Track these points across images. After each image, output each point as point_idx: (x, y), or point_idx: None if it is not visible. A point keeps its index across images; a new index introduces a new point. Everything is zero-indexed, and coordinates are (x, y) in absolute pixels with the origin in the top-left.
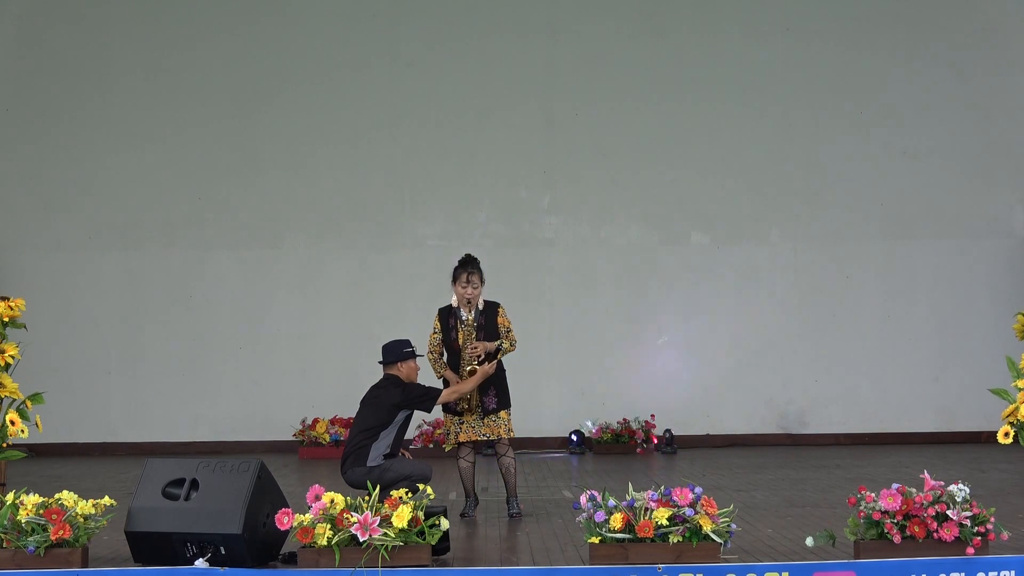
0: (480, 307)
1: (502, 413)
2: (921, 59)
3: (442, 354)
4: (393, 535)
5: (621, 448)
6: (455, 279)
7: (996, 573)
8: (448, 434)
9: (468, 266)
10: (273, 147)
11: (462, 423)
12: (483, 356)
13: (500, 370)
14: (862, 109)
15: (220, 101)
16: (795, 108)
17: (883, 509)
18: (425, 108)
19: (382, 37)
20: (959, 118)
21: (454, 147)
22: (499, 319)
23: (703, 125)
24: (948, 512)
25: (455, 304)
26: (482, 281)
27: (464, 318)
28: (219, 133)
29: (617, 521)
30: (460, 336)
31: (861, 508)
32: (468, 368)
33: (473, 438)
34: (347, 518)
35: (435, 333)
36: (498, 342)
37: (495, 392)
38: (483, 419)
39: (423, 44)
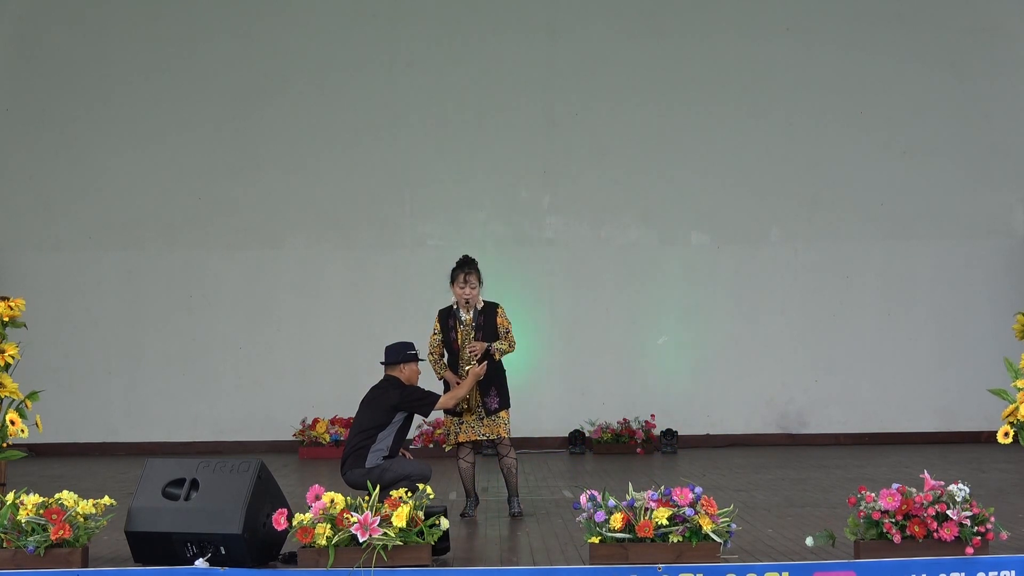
0: (479, 307)
1: (502, 413)
2: (921, 59)
3: (443, 355)
4: (393, 535)
5: (621, 448)
6: (453, 280)
7: (996, 573)
8: (448, 434)
9: (465, 267)
10: (273, 147)
11: (462, 423)
12: (480, 356)
13: (501, 370)
14: (862, 109)
15: (220, 101)
16: (795, 108)
17: (883, 509)
18: (425, 108)
19: (382, 37)
20: (959, 118)
21: (454, 147)
22: (498, 320)
23: (703, 125)
24: (948, 512)
25: (455, 305)
26: (480, 282)
27: (463, 319)
28: (219, 133)
29: (617, 521)
30: (459, 336)
31: (861, 508)
32: (467, 368)
33: (473, 438)
34: (347, 518)
35: (435, 334)
36: (488, 344)
37: (496, 392)
38: (483, 419)
39: (423, 44)
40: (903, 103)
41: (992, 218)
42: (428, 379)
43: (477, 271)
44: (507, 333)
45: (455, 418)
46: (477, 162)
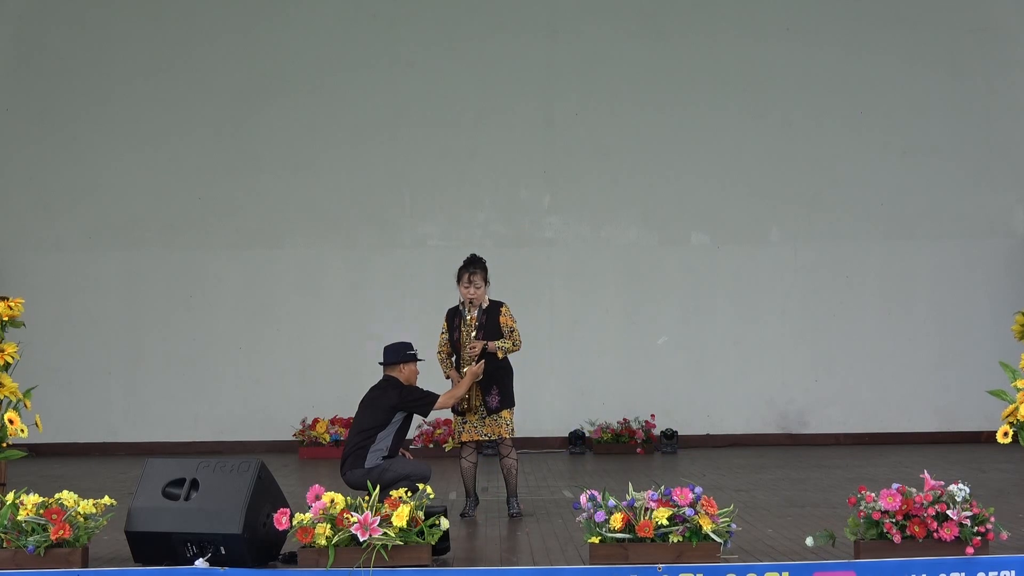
0: (484, 307)
1: (504, 412)
2: (921, 59)
3: (450, 354)
4: (393, 535)
5: (621, 448)
6: (459, 279)
7: (996, 573)
8: (454, 433)
9: (470, 267)
10: (273, 147)
11: (465, 423)
12: (478, 356)
13: (505, 369)
14: (862, 109)
15: (220, 101)
16: (795, 108)
17: (883, 509)
18: (425, 108)
19: (382, 37)
20: (959, 118)
21: (454, 147)
22: (501, 319)
23: (703, 125)
24: (948, 512)
25: (461, 304)
26: (486, 282)
27: (466, 318)
28: (219, 133)
29: (617, 521)
30: (462, 336)
31: (861, 508)
32: (465, 368)
33: (476, 438)
34: (347, 518)
35: (443, 333)
36: (485, 342)
37: (498, 391)
38: (485, 419)
39: (423, 44)
40: (903, 103)
41: (992, 218)
42: (426, 378)
43: (483, 271)
44: (511, 332)
45: (459, 417)
46: (477, 162)
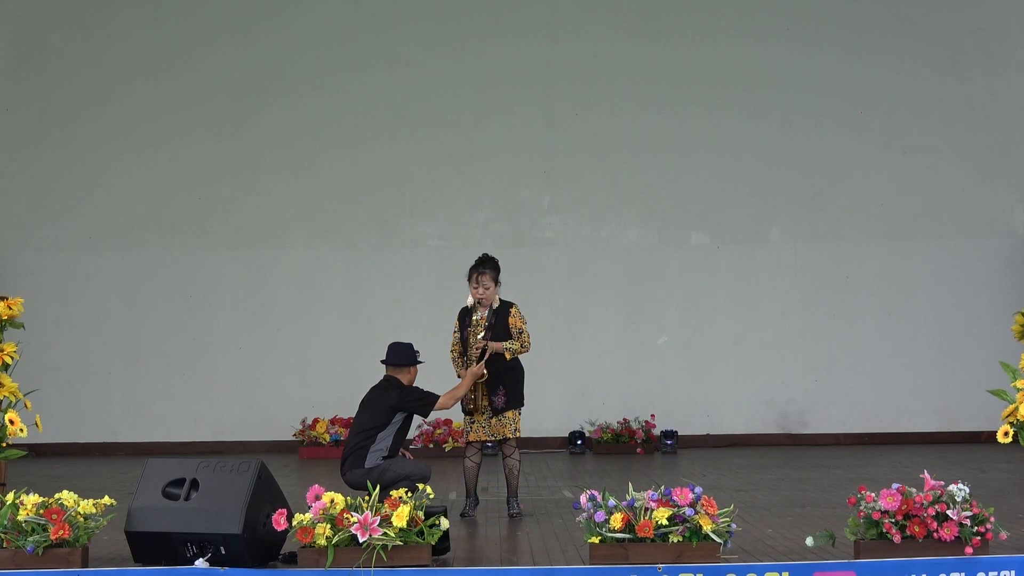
0: (495, 307)
1: (510, 413)
2: (921, 59)
3: (461, 354)
4: (393, 535)
5: (621, 448)
6: (468, 279)
7: (996, 573)
8: (465, 433)
9: (480, 267)
10: (273, 147)
11: (473, 423)
12: (479, 355)
13: (513, 370)
14: (862, 109)
15: (220, 102)
16: (795, 108)
17: (883, 509)
18: (425, 108)
19: (382, 38)
20: (959, 118)
21: (454, 147)
22: (510, 319)
23: (703, 125)
24: (948, 512)
25: (471, 303)
26: (495, 281)
27: (475, 317)
28: (219, 133)
29: (617, 521)
30: (471, 336)
31: (861, 508)
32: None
33: (482, 438)
34: (347, 518)
35: (455, 332)
36: (487, 342)
37: (504, 391)
38: (491, 419)
39: (423, 45)
40: (903, 103)
41: (992, 218)
42: (434, 378)
43: (492, 271)
44: (520, 333)
45: (467, 417)
46: (477, 162)
